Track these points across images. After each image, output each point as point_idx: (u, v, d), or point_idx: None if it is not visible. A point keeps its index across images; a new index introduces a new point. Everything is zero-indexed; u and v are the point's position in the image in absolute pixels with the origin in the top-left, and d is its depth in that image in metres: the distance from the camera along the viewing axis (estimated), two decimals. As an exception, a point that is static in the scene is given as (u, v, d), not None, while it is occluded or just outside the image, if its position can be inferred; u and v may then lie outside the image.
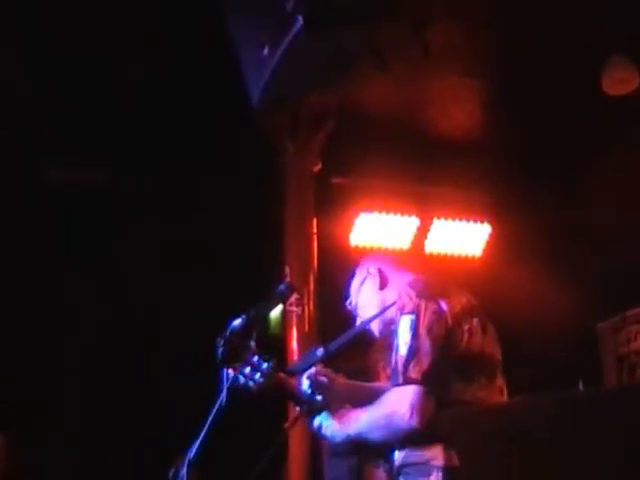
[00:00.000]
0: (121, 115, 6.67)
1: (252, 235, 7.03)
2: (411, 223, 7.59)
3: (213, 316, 4.05)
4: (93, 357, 7.42)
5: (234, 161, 7.02)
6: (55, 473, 7.15)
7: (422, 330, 3.59)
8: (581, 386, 5.24)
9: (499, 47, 5.85)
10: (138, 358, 7.33)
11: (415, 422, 3.52)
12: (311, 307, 6.15)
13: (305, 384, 3.89)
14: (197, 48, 6.16)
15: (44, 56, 6.25)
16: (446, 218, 7.73)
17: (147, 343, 7.35)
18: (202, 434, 3.73)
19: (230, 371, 3.73)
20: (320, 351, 4.02)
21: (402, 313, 3.68)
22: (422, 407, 3.51)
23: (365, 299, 4.06)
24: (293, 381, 3.91)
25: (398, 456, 3.69)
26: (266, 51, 4.66)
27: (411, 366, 3.56)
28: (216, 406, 3.72)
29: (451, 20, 5.15)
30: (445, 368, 3.58)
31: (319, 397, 3.89)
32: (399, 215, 7.55)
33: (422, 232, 7.61)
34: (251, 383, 3.77)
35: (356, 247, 7.44)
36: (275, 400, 4.67)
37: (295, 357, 5.95)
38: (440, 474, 3.53)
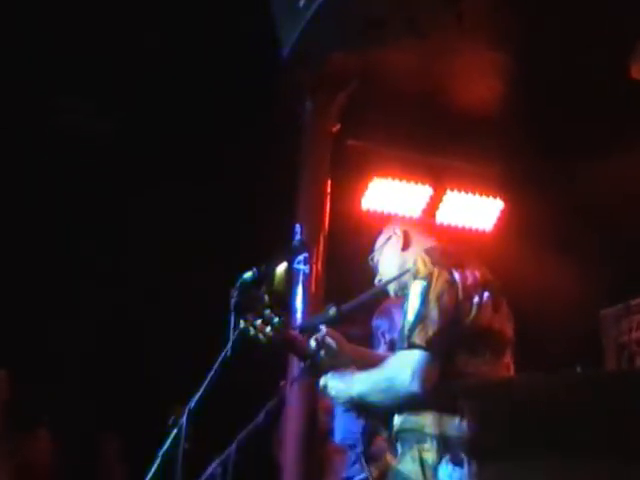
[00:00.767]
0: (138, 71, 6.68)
1: (267, 193, 7.03)
2: (424, 192, 7.57)
3: (223, 270, 4.05)
4: (95, 303, 7.46)
5: (253, 118, 7.00)
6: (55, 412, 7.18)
7: (432, 297, 3.58)
8: (578, 370, 5.23)
9: (527, 23, 5.80)
10: (142, 309, 7.37)
11: (415, 387, 3.50)
12: (319, 267, 6.12)
13: (312, 344, 3.88)
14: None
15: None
16: (459, 190, 7.71)
17: (150, 294, 7.39)
18: (204, 384, 3.73)
19: (241, 322, 3.72)
20: (333, 310, 4.00)
21: (415, 278, 3.67)
22: (423, 373, 3.50)
23: (386, 258, 4.07)
24: (303, 338, 3.90)
25: (397, 421, 3.69)
26: (302, 3, 4.61)
27: (417, 331, 3.55)
28: (220, 357, 3.72)
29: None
30: (451, 338, 3.57)
31: (326, 357, 3.88)
32: (412, 183, 7.53)
33: (434, 202, 7.59)
34: (261, 336, 3.76)
35: (367, 211, 7.42)
36: (279, 356, 4.68)
37: (299, 316, 5.94)
38: (434, 442, 3.53)
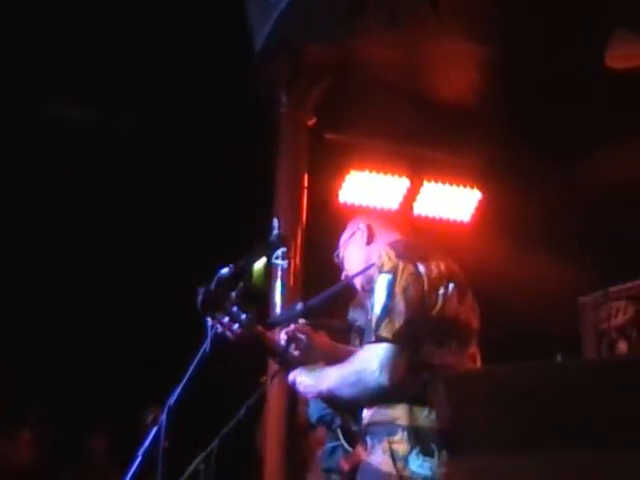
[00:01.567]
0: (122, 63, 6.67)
1: (243, 186, 7.02)
2: (401, 184, 7.57)
3: (202, 262, 4.04)
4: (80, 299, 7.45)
5: (229, 112, 6.99)
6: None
7: (397, 290, 3.58)
8: (559, 359, 5.25)
9: (504, 14, 5.81)
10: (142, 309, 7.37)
11: (384, 379, 3.52)
12: (297, 261, 6.12)
13: (282, 338, 3.89)
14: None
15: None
16: (436, 181, 7.71)
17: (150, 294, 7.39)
18: (183, 381, 3.72)
19: (209, 320, 3.72)
20: (300, 306, 4.04)
21: (380, 272, 3.67)
22: (391, 365, 3.51)
23: (351, 253, 4.07)
24: (271, 334, 3.90)
25: (366, 414, 3.71)
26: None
27: (383, 325, 3.55)
28: (199, 354, 3.71)
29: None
30: (417, 330, 3.57)
31: (296, 352, 3.90)
32: (389, 175, 7.53)
33: (412, 193, 7.59)
34: (228, 333, 3.76)
35: (345, 204, 7.42)
36: (254, 352, 4.67)
37: (278, 311, 5.93)
38: (405, 433, 3.54)
